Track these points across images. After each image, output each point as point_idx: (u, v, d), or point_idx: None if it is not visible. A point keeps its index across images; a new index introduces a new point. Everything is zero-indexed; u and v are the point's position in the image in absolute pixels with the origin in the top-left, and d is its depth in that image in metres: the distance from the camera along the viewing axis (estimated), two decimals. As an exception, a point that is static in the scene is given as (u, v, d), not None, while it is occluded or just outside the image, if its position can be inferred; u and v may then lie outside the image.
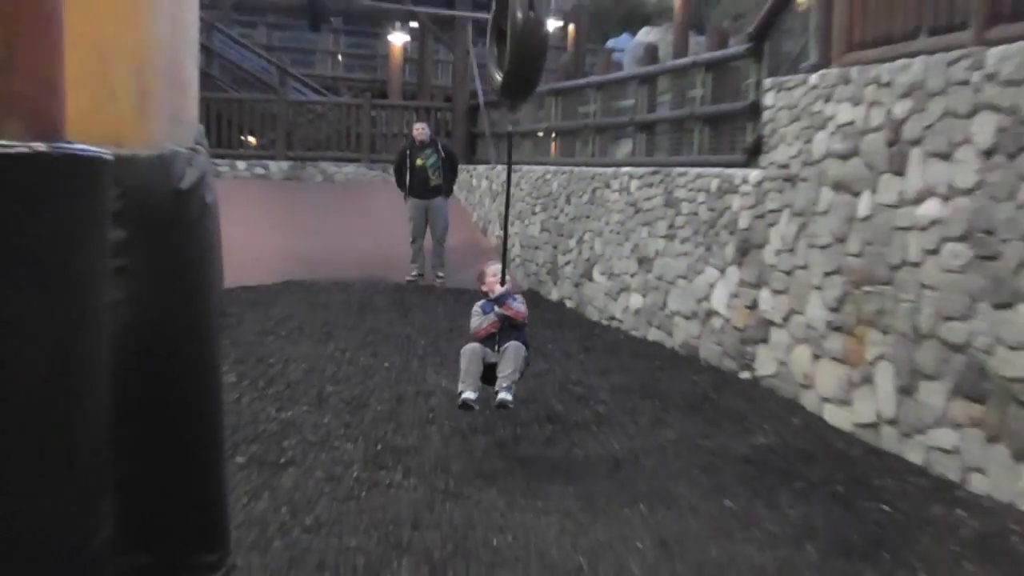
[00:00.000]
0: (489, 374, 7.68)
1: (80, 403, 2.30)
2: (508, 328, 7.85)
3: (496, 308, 7.86)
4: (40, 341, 2.28)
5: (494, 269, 8.21)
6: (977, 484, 6.89)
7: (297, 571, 5.29)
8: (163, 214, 3.90)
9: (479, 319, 7.96)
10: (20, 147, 2.35)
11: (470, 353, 7.73)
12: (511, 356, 7.58)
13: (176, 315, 4.01)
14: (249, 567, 5.25)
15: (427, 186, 16.08)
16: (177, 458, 4.09)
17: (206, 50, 22.07)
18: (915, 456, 7.49)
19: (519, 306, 7.96)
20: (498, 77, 8.04)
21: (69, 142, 2.63)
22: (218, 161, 18.93)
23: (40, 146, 2.37)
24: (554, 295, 15.38)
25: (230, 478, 6.16)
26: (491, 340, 7.82)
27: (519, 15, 7.30)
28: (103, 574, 2.28)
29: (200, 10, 4.68)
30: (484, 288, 8.14)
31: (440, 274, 16.40)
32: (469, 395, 7.44)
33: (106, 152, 2.56)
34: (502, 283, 7.99)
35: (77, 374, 2.36)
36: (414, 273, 16.26)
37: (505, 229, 9.40)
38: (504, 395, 7.43)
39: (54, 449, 2.23)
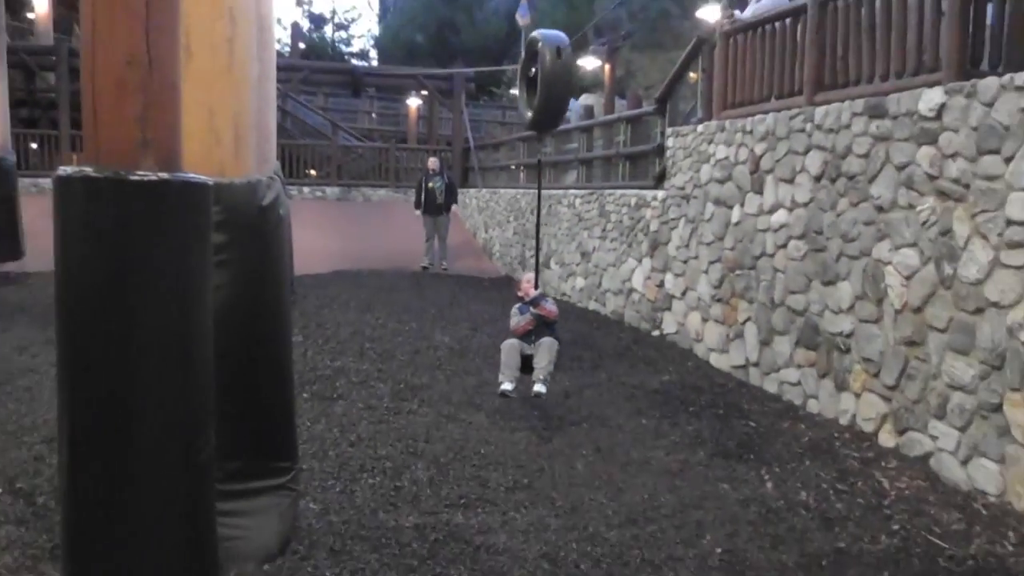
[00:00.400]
0: (526, 364, 6.83)
1: (193, 356, 2.39)
2: (541, 326, 6.95)
3: (531, 309, 6.94)
4: (167, 311, 2.36)
5: (528, 276, 7.36)
6: (812, 407, 6.99)
7: (344, 472, 5.37)
8: (251, 223, 4.00)
9: (517, 318, 7.04)
10: (153, 176, 2.42)
11: (508, 347, 6.89)
12: (545, 350, 6.75)
13: (260, 293, 4.12)
14: (312, 470, 5.33)
15: (435, 203, 16.31)
16: (261, 394, 4.19)
17: (282, 111, 22.15)
18: (771, 388, 7.59)
19: (550, 306, 7.04)
20: (528, 114, 7.64)
21: (185, 173, 2.71)
22: (290, 187, 18.98)
23: (165, 175, 2.45)
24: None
25: (299, 409, 6.26)
26: (527, 336, 6.94)
27: (548, 60, 7.20)
28: (210, 474, 2.36)
29: (277, 83, 4.77)
30: (520, 293, 7.24)
31: (444, 264, 16.50)
32: (507, 386, 6.63)
33: (209, 179, 2.64)
34: (536, 287, 7.12)
35: (192, 335, 2.44)
36: (425, 263, 16.42)
37: (537, 245, 8.48)
38: (539, 387, 6.55)
39: (178, 388, 2.31)
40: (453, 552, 4.30)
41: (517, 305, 7.15)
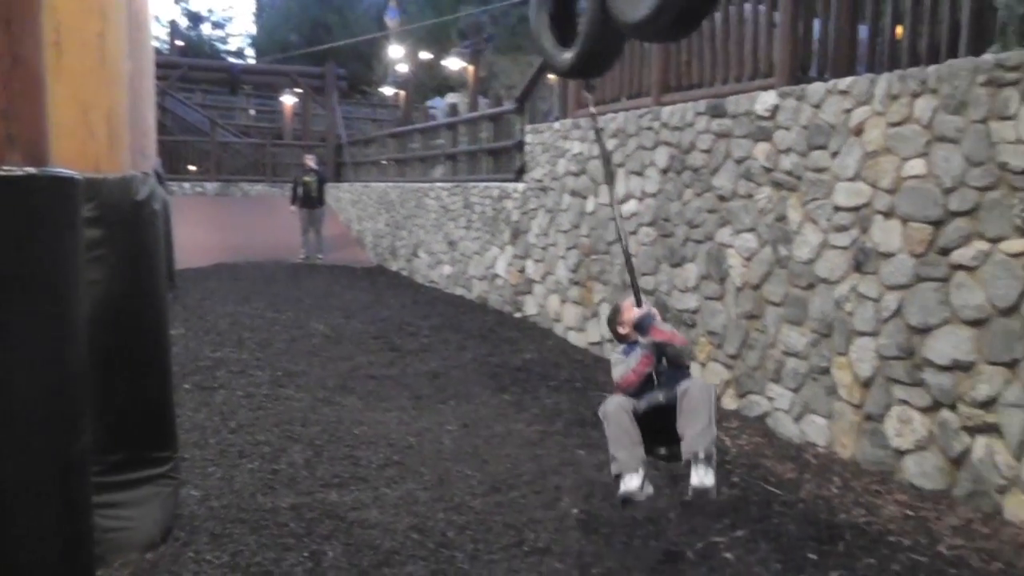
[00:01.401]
0: (651, 432, 3.71)
1: (64, 350, 2.21)
2: (668, 369, 3.82)
3: (641, 339, 3.84)
4: (38, 305, 2.18)
5: (629, 303, 4.05)
6: (663, 378, 7.09)
7: (225, 459, 5.18)
8: (126, 218, 3.79)
9: (623, 365, 3.85)
10: (19, 171, 2.24)
11: (616, 411, 3.73)
12: (695, 402, 3.57)
13: (137, 287, 3.91)
14: (193, 458, 5.12)
15: (311, 197, 16.14)
16: (139, 386, 3.98)
17: (161, 107, 21.49)
18: (625, 362, 7.66)
19: (668, 328, 3.99)
20: (566, 56, 5.98)
21: (53, 167, 2.53)
22: (171, 183, 18.38)
23: (32, 170, 2.27)
24: (394, 267, 15.27)
25: (180, 399, 6.02)
26: (646, 387, 3.79)
27: None
28: (86, 466, 2.19)
29: (156, 80, 4.54)
30: (622, 329, 4.05)
31: (320, 256, 16.21)
32: (632, 485, 3.55)
33: (77, 174, 2.46)
34: (638, 305, 3.95)
35: (63, 330, 2.25)
36: (303, 255, 16.12)
37: (627, 254, 6.76)
38: (701, 478, 3.47)
39: (49, 382, 2.13)
40: (328, 529, 4.19)
41: (620, 348, 4.06)
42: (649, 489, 3.58)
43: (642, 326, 3.84)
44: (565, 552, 4.04)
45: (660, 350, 3.81)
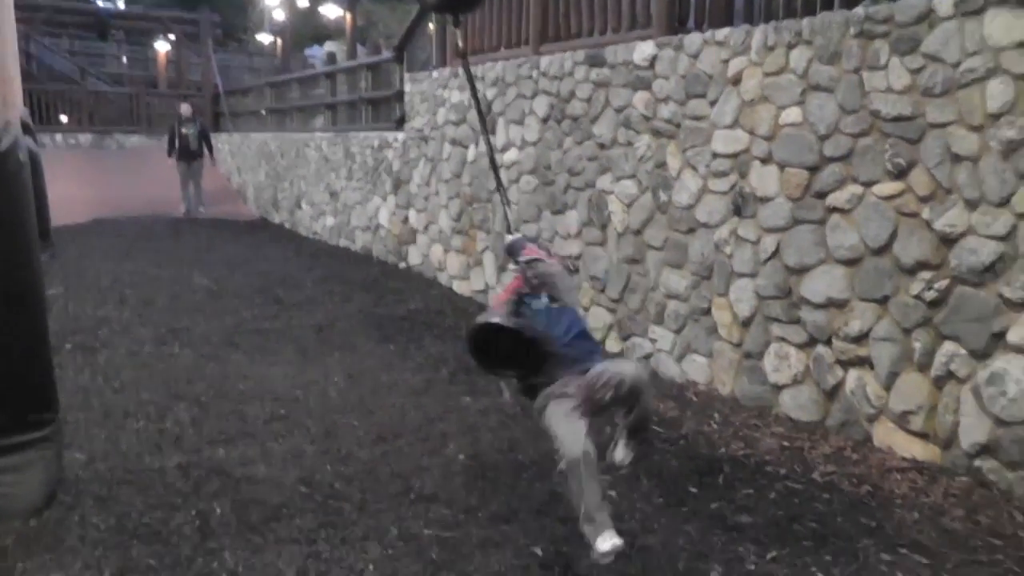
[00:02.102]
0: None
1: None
2: (554, 319, 3.50)
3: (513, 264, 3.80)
4: None
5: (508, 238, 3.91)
6: (548, 324, 7.12)
7: (110, 420, 4.96)
8: (-13, 170, 3.53)
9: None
10: None
11: (583, 458, 3.09)
12: (644, 388, 3.33)
13: (4, 241, 3.66)
14: (77, 420, 4.90)
15: (190, 149, 15.17)
16: (13, 348, 3.76)
17: (26, 54, 20.35)
18: (510, 309, 7.66)
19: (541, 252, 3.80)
20: None
21: None
22: (42, 135, 17.42)
23: None
24: (276, 219, 14.88)
25: (61, 360, 5.76)
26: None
27: None
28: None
29: (17, 23, 4.21)
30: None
31: (201, 209, 15.50)
32: (610, 543, 3.02)
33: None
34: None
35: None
36: (183, 210, 15.30)
37: (498, 180, 6.45)
38: (626, 455, 3.56)
39: None
40: (215, 486, 4.07)
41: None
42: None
43: (513, 249, 3.75)
44: (452, 498, 4.03)
45: (542, 282, 3.61)
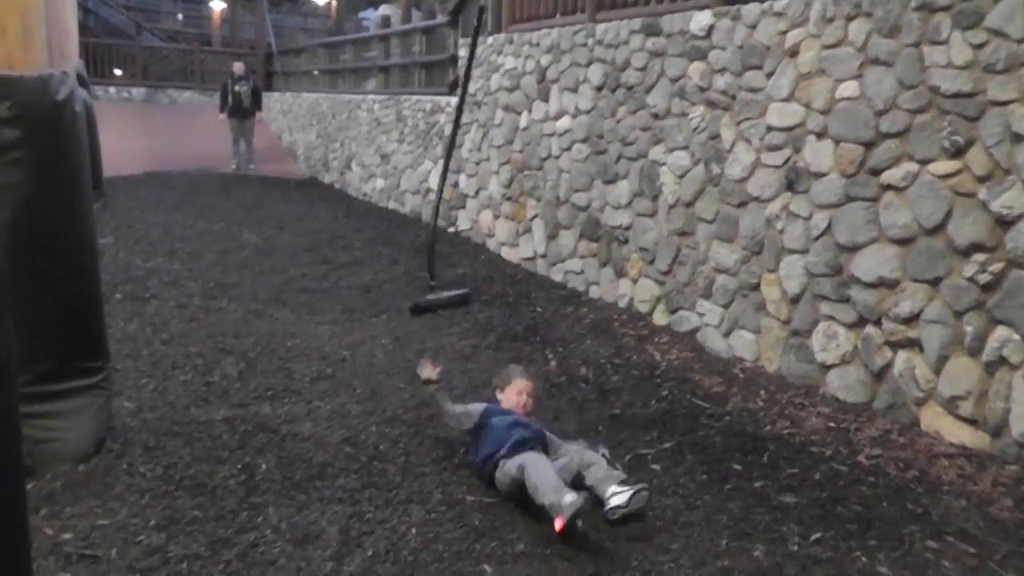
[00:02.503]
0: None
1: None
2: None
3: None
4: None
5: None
6: (593, 292, 7.08)
7: (158, 370, 5.04)
8: (45, 118, 3.57)
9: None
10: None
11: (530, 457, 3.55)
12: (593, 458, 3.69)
13: (59, 191, 3.71)
14: (126, 369, 4.98)
15: (242, 107, 15.27)
16: (66, 294, 3.81)
17: (83, 8, 20.53)
18: (557, 277, 7.63)
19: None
20: None
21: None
22: (96, 88, 17.61)
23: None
24: (327, 180, 14.95)
25: (111, 309, 5.84)
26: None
27: None
28: (10, 374, 2.05)
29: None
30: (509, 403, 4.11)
31: (251, 166, 15.62)
32: (568, 499, 3.23)
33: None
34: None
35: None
36: (234, 165, 15.45)
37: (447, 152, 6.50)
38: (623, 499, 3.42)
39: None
40: (261, 442, 4.11)
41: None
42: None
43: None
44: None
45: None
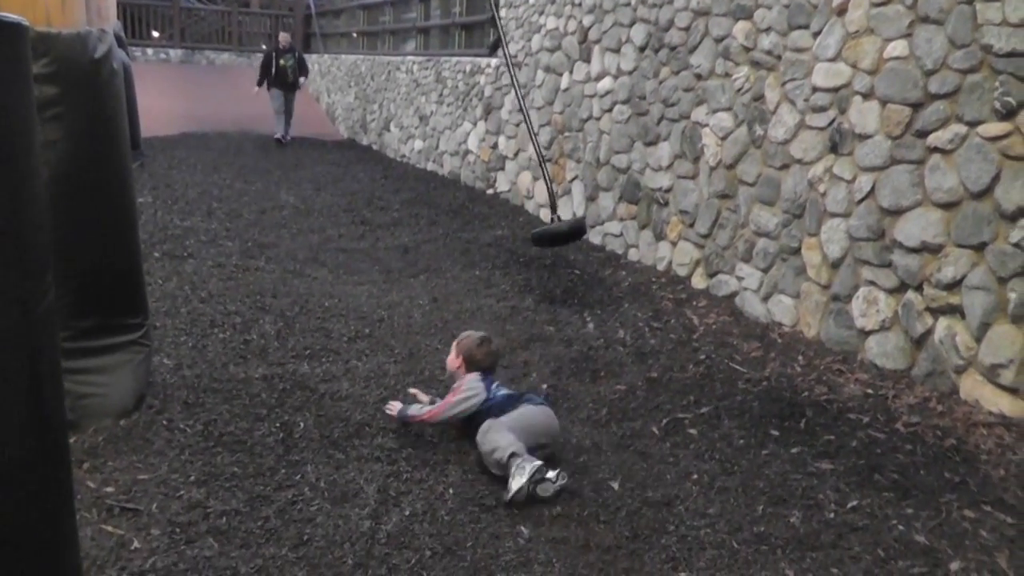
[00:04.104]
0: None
1: (24, 209, 2.06)
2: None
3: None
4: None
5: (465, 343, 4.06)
6: (632, 255, 7.06)
7: (196, 328, 5.10)
8: (83, 75, 3.60)
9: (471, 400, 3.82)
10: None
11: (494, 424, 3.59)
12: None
13: (97, 147, 3.75)
14: (165, 327, 5.05)
15: (287, 81, 14.38)
16: (106, 250, 3.86)
17: (122, -30, 20.54)
18: (596, 239, 7.61)
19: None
20: None
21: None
22: (134, 49, 17.67)
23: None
24: (365, 141, 14.96)
25: (150, 267, 5.90)
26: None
27: None
28: (52, 328, 2.08)
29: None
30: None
31: (288, 137, 14.49)
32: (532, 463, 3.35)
33: (24, 20, 2.25)
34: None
35: (21, 188, 2.10)
36: (277, 135, 14.47)
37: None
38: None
39: (6, 240, 2.00)
40: (299, 400, 4.16)
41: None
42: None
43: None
44: (534, 426, 4.06)
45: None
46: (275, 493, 3.30)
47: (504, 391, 3.91)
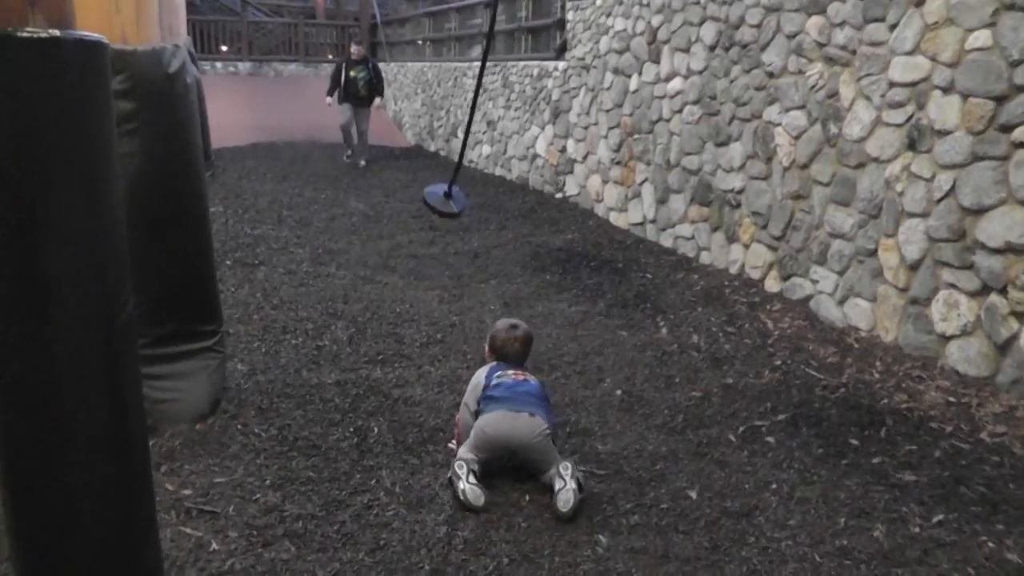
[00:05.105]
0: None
1: (103, 220, 2.11)
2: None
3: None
4: (73, 173, 2.07)
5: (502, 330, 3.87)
6: (704, 258, 6.97)
7: (269, 334, 5.18)
8: (158, 90, 3.68)
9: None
10: (44, 33, 2.12)
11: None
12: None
13: (173, 160, 3.84)
14: (238, 333, 5.14)
15: (358, 96, 13.13)
16: (181, 259, 3.94)
17: (191, -14, 21.02)
18: (667, 242, 7.53)
19: None
20: None
21: (76, 31, 2.39)
22: (203, 63, 18.03)
23: (56, 32, 2.13)
24: (432, 147, 15.06)
25: (222, 275, 6.01)
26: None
27: None
28: (132, 336, 2.12)
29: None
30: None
31: (362, 161, 13.06)
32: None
33: (105, 39, 2.31)
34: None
35: (100, 199, 2.15)
36: (347, 157, 13.36)
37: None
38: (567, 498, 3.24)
39: (88, 251, 2.04)
40: (373, 405, 4.19)
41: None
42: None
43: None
44: (607, 433, 4.02)
45: None
46: (350, 498, 3.32)
47: (502, 383, 3.60)
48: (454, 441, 3.76)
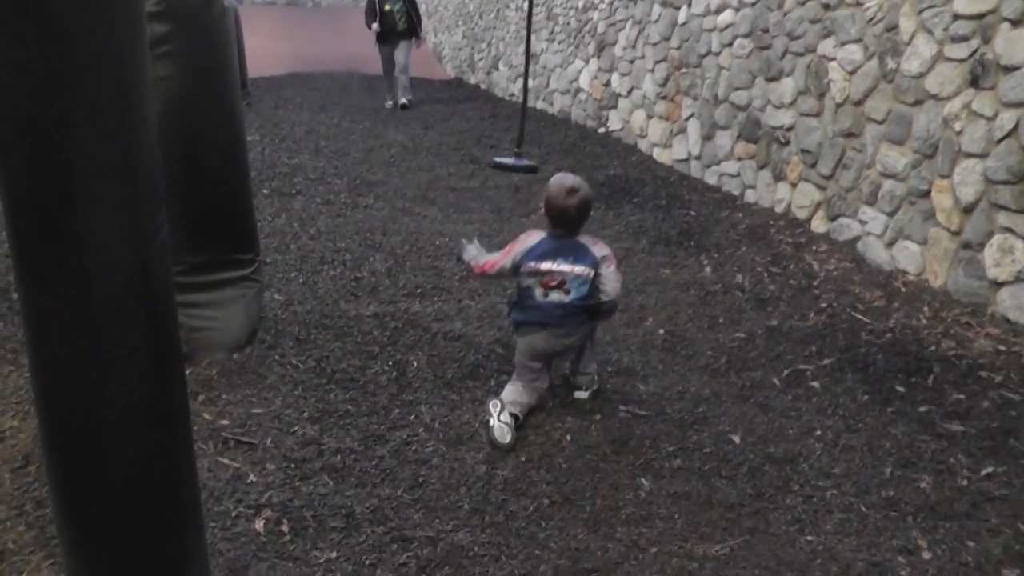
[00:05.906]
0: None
1: (137, 146, 2.04)
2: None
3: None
4: (103, 94, 2.00)
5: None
6: (750, 196, 6.81)
7: (306, 265, 5.13)
8: (193, 12, 3.58)
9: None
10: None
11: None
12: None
13: (208, 84, 3.75)
14: (275, 263, 5.10)
15: (394, 30, 12.20)
16: (217, 186, 3.88)
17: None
18: (712, 180, 7.38)
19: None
20: None
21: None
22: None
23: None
24: (472, 80, 14.85)
25: (259, 204, 5.95)
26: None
27: None
28: (165, 263, 2.07)
29: None
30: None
31: (404, 100, 12.05)
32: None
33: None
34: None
35: (133, 126, 2.07)
36: (388, 103, 12.16)
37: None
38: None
39: (119, 171, 1.98)
40: (412, 339, 4.14)
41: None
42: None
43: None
44: (649, 373, 3.95)
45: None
46: (389, 432, 3.29)
47: (539, 305, 3.44)
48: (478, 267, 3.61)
